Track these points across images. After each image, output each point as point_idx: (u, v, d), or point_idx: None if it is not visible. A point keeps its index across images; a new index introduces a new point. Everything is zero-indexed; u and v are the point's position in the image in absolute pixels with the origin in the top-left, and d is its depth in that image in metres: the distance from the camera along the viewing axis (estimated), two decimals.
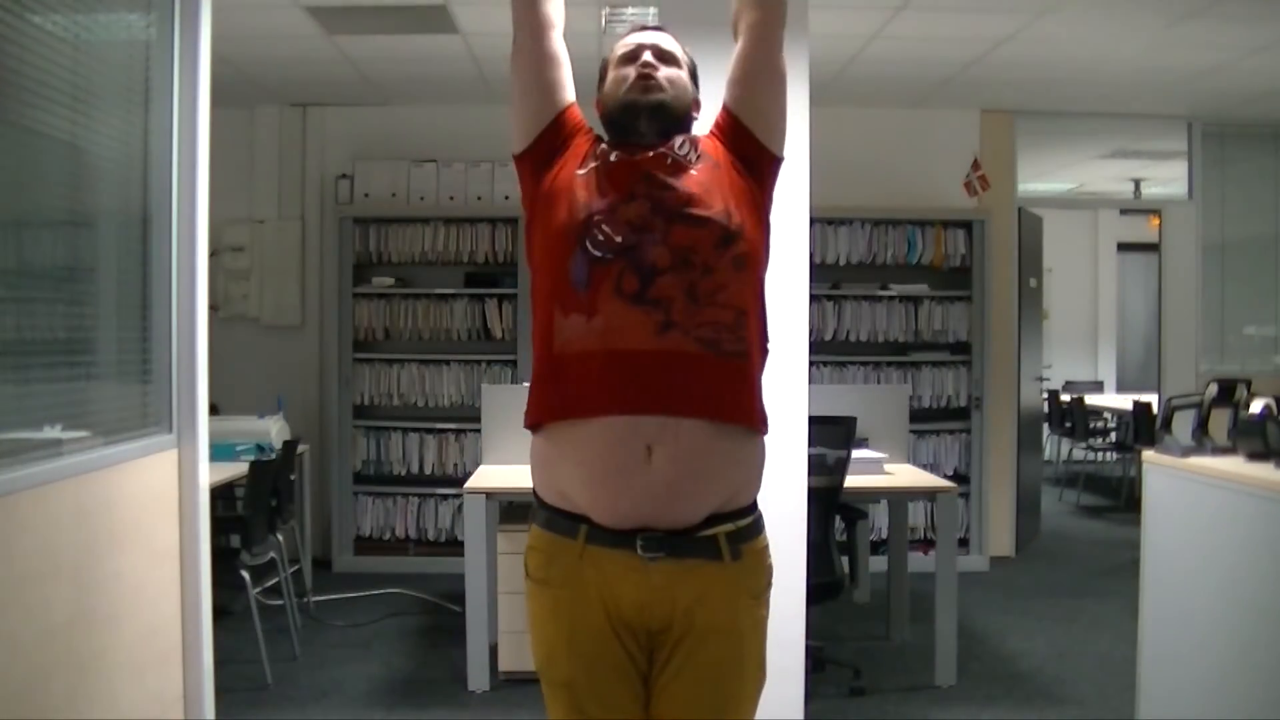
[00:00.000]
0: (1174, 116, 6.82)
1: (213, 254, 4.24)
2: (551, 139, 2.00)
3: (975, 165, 6.67)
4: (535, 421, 1.91)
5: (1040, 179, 8.60)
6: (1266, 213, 7.03)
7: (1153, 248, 7.34)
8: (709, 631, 1.86)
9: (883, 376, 6.45)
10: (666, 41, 2.05)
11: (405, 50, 5.46)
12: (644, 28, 2.09)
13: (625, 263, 1.83)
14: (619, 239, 1.84)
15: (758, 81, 2.01)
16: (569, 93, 2.03)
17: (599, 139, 2.01)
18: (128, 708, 2.81)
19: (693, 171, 1.92)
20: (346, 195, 6.43)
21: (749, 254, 1.91)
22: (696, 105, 2.06)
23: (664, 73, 1.99)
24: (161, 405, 3.17)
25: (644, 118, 1.95)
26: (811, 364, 4.53)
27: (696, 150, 1.96)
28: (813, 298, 5.31)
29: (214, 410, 3.70)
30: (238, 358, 6.26)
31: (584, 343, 1.82)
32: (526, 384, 5.93)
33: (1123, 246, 11.42)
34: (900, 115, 6.66)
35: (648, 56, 2.00)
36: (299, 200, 6.61)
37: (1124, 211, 10.75)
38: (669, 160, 1.91)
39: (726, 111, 2.03)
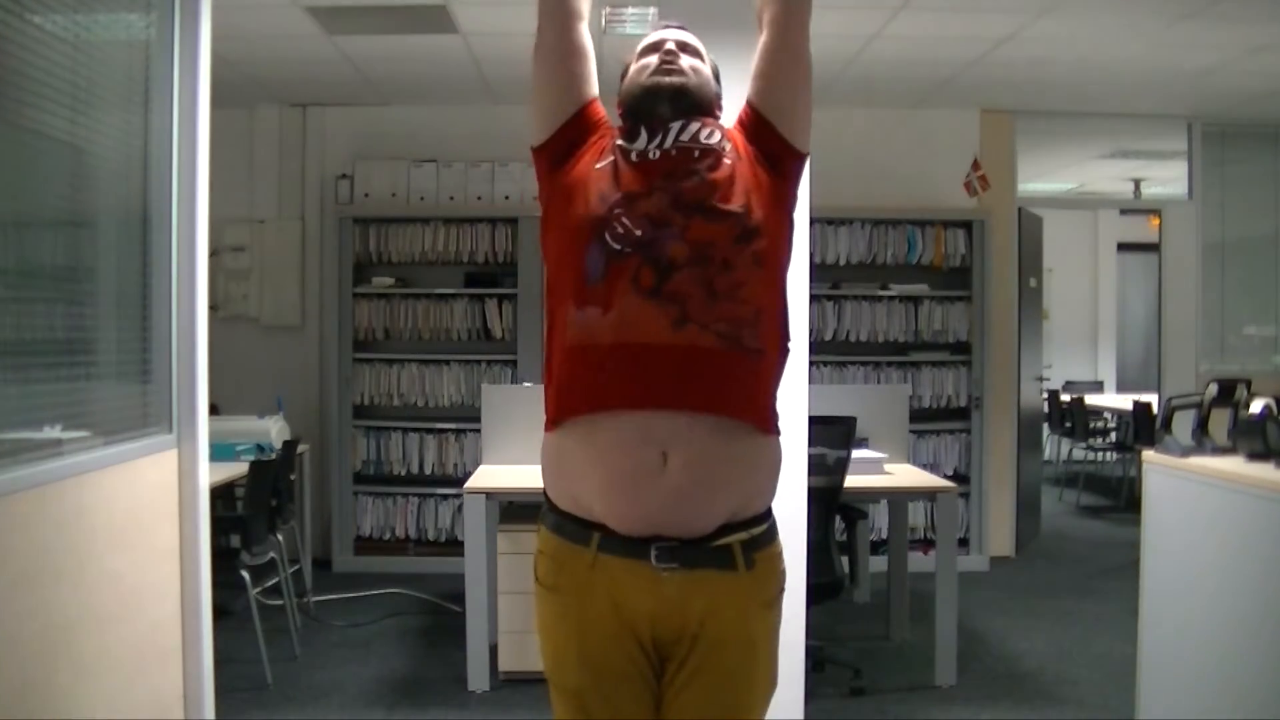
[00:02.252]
0: (1174, 116, 6.82)
1: (213, 254, 4.24)
2: (572, 132, 1.95)
3: (975, 165, 6.66)
4: (555, 419, 1.87)
5: (1040, 179, 8.61)
6: (1266, 213, 7.03)
7: (1153, 248, 7.34)
8: (721, 642, 1.84)
9: (883, 376, 6.45)
10: (689, 36, 2.03)
11: (405, 50, 5.47)
12: (665, 25, 2.06)
13: (642, 257, 1.79)
14: (638, 233, 1.81)
15: (781, 75, 1.95)
16: (592, 86, 1.99)
17: (615, 134, 1.96)
18: (128, 708, 2.81)
19: (714, 158, 1.88)
20: (346, 195, 6.43)
21: (769, 251, 1.87)
22: (718, 103, 2.02)
23: (686, 60, 1.96)
24: (161, 405, 3.17)
25: (666, 102, 1.91)
26: (811, 364, 4.54)
27: (720, 134, 1.92)
28: (813, 298, 5.31)
29: (214, 410, 3.71)
30: (238, 358, 6.26)
31: (599, 336, 1.80)
32: (527, 384, 5.92)
33: (1123, 246, 11.42)
34: (900, 115, 6.66)
35: (670, 45, 1.97)
36: (299, 200, 6.61)
37: (1124, 211, 10.76)
38: (690, 146, 1.88)
39: (750, 106, 1.97)
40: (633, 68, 2.01)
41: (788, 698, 3.31)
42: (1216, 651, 3.12)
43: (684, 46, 1.99)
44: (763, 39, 1.96)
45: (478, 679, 4.25)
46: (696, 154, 1.87)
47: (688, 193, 1.84)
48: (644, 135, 1.90)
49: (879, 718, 4.05)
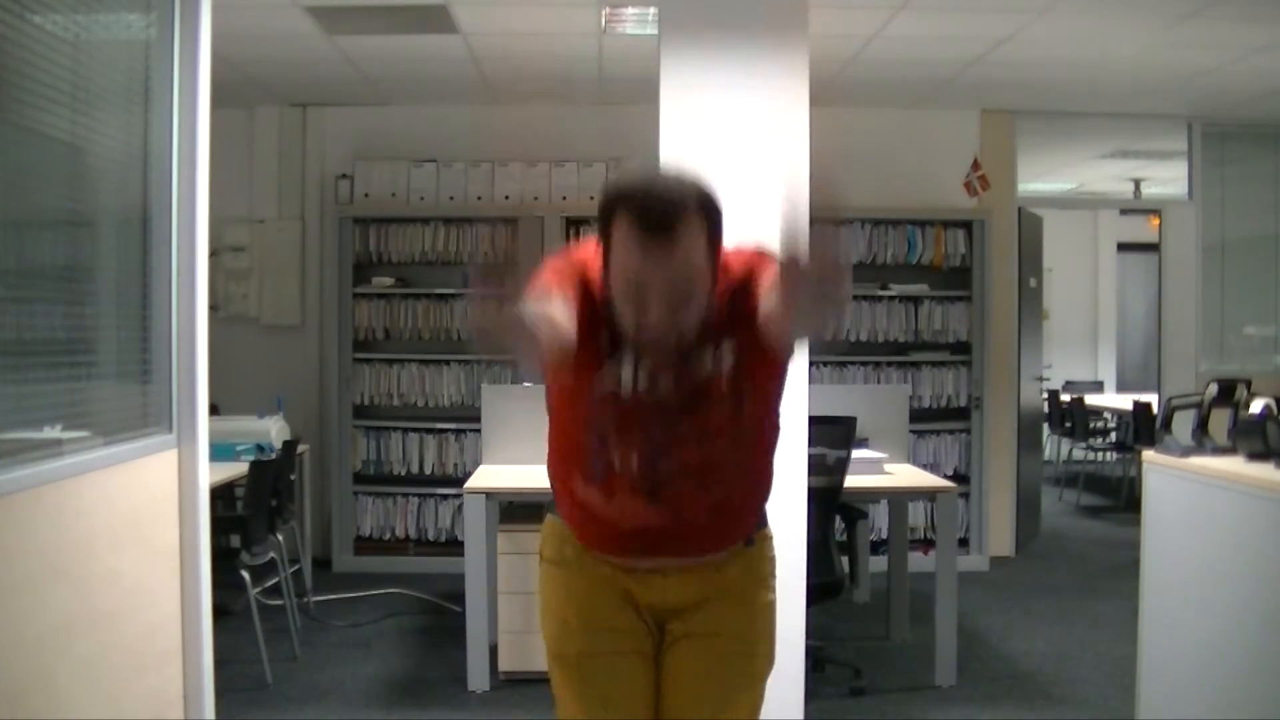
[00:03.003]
0: (1174, 116, 6.82)
1: (213, 254, 4.23)
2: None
3: (975, 165, 6.66)
4: (563, 518, 1.99)
5: (1040, 179, 8.60)
6: (1266, 213, 7.02)
7: (1153, 248, 7.34)
8: (722, 609, 1.92)
9: (883, 376, 6.45)
10: (678, 265, 1.66)
11: (405, 50, 5.46)
12: (651, 224, 1.64)
13: (638, 476, 1.85)
14: (634, 460, 1.84)
15: (773, 337, 1.73)
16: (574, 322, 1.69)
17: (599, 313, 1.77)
18: (128, 708, 2.81)
19: (711, 382, 1.80)
20: (346, 195, 6.43)
21: (757, 416, 1.88)
22: (715, 275, 1.75)
23: (675, 324, 1.71)
24: (161, 405, 3.16)
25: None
26: (811, 364, 4.53)
27: (712, 352, 1.79)
28: None
29: (214, 410, 3.70)
30: (238, 358, 6.25)
31: (602, 513, 1.89)
32: (527, 384, 5.91)
33: (1123, 246, 11.42)
34: (900, 115, 6.65)
35: (654, 318, 1.69)
36: (299, 200, 6.61)
37: (1124, 211, 10.75)
38: (685, 386, 1.80)
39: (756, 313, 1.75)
40: (614, 276, 1.71)
41: (788, 698, 3.31)
42: (1216, 651, 3.12)
43: (673, 300, 1.68)
44: (772, 307, 1.68)
45: (478, 679, 4.25)
46: (688, 390, 1.81)
47: (682, 424, 1.83)
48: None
49: (879, 718, 4.05)
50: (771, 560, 2.02)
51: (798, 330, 1.70)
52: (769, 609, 1.99)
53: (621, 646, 1.91)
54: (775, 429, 1.97)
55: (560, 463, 1.96)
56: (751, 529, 1.98)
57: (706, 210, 1.69)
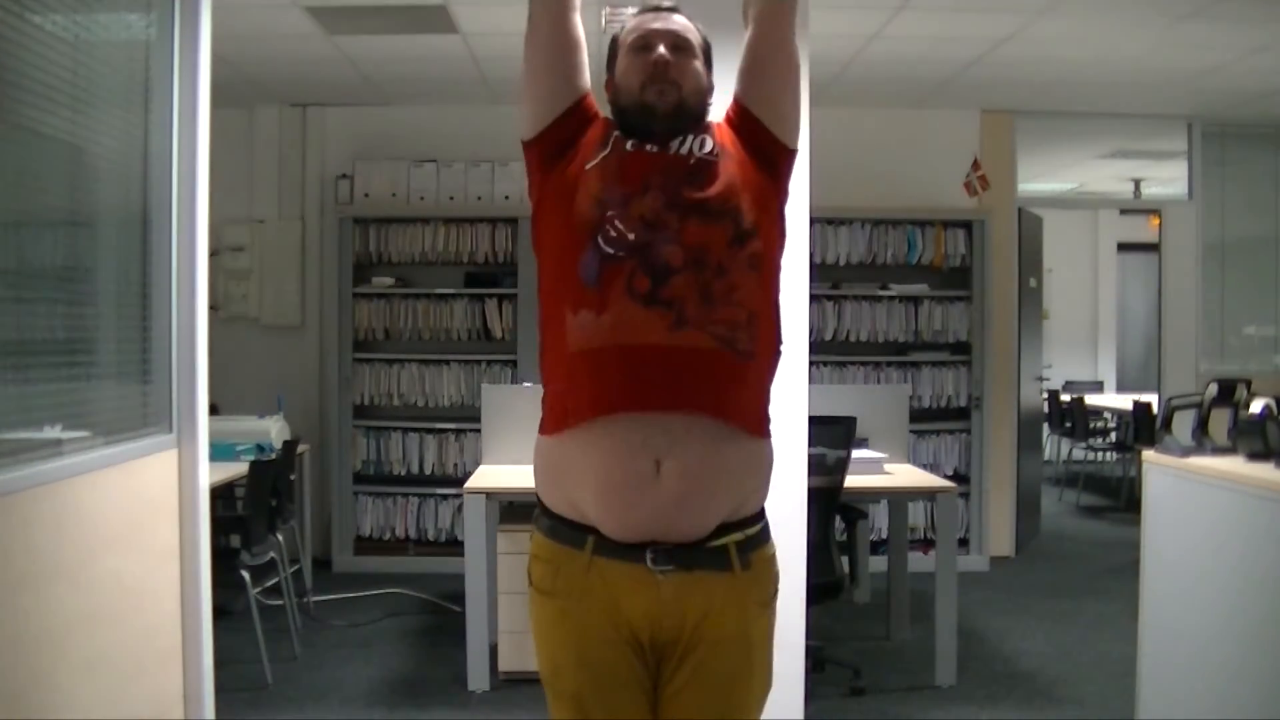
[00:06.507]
0: (1174, 116, 6.82)
1: (213, 254, 4.24)
2: (565, 128, 1.90)
3: (975, 165, 6.66)
4: (554, 427, 1.84)
5: (1040, 179, 8.60)
6: (1266, 213, 7.03)
7: (1153, 248, 7.34)
8: (718, 642, 1.84)
9: (883, 376, 6.45)
10: (680, 27, 1.93)
11: (405, 50, 5.47)
12: (657, 7, 1.96)
13: (637, 261, 1.78)
14: (631, 236, 1.78)
15: (767, 70, 1.93)
16: (585, 78, 1.93)
17: (611, 123, 1.92)
18: (128, 708, 2.81)
19: (709, 165, 1.86)
20: (346, 195, 6.43)
21: (762, 254, 1.85)
22: (710, 90, 1.96)
23: (679, 67, 1.89)
24: (161, 405, 3.16)
25: (659, 120, 1.87)
26: (811, 364, 4.54)
27: (713, 141, 1.89)
28: (813, 298, 5.31)
29: (214, 410, 3.70)
30: (238, 358, 6.26)
31: (593, 339, 1.78)
32: (527, 384, 5.92)
33: (1123, 246, 11.42)
34: (900, 115, 6.66)
35: (662, 51, 1.88)
36: (299, 200, 6.61)
37: (1124, 211, 10.76)
38: (687, 154, 1.86)
39: (737, 104, 1.95)
40: (621, 61, 1.94)
41: (788, 698, 3.31)
42: (1216, 651, 3.12)
43: (676, 46, 1.90)
44: (749, 35, 1.94)
45: (478, 679, 4.25)
46: (692, 161, 1.86)
47: (683, 193, 1.82)
48: (637, 139, 1.89)
49: (879, 718, 4.05)
50: (774, 579, 1.93)
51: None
52: (767, 634, 1.92)
53: (617, 681, 1.83)
54: (776, 328, 1.90)
55: (551, 312, 1.85)
56: (758, 427, 1.85)
57: (701, 33, 1.97)
